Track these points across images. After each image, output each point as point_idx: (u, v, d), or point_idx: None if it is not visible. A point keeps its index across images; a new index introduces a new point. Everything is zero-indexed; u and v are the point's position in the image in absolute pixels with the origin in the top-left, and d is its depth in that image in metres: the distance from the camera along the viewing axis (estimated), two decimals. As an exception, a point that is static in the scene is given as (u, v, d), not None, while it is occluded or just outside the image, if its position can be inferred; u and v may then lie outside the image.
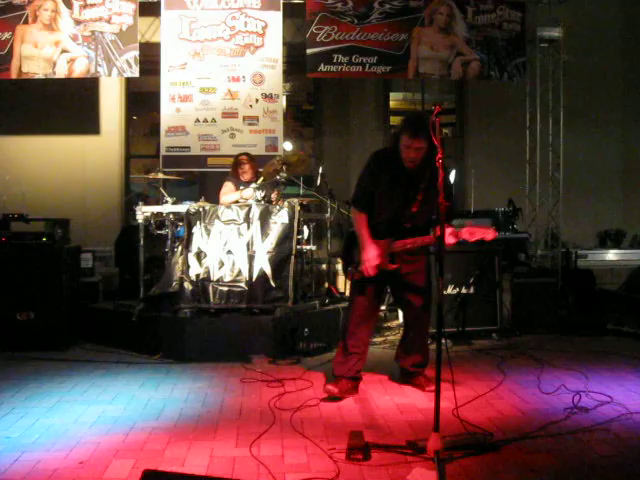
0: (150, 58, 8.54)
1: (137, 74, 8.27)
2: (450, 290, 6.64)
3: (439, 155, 3.58)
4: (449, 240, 4.39)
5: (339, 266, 8.49)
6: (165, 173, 7.47)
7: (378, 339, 6.83)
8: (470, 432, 3.82)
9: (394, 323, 7.60)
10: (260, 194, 6.59)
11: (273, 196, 6.83)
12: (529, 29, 8.91)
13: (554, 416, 4.23)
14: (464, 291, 6.64)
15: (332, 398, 4.69)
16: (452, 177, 8.42)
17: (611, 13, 10.27)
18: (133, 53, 8.19)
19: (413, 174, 4.63)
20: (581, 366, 5.51)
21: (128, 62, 8.19)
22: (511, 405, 4.55)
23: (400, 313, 7.69)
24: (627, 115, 10.28)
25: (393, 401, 4.68)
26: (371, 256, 4.61)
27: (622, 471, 3.43)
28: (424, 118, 4.43)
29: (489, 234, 4.40)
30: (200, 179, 9.65)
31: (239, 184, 7.24)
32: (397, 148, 4.60)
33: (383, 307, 8.00)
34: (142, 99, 9.92)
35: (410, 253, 4.72)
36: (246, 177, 7.28)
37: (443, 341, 3.92)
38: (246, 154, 7.45)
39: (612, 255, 9.62)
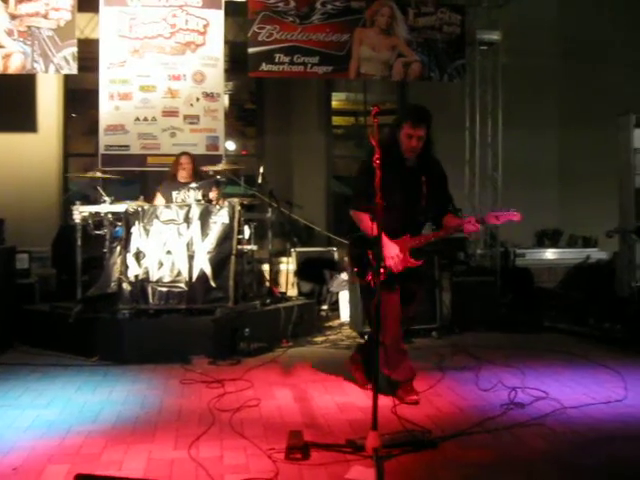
0: (89, 55, 8.39)
1: (75, 71, 8.12)
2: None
3: (377, 155, 3.61)
4: (473, 227, 4.54)
5: (282, 266, 8.50)
6: (104, 172, 7.35)
7: (319, 338, 6.85)
8: (408, 430, 3.85)
9: (336, 322, 7.64)
10: (199, 194, 6.54)
11: (212, 195, 6.77)
12: (469, 32, 9.04)
13: (491, 412, 4.30)
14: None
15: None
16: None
17: (549, 17, 10.49)
18: (71, 49, 8.04)
19: (413, 167, 4.70)
20: (518, 363, 5.62)
21: (66, 59, 8.03)
22: (449, 402, 4.61)
23: (342, 312, 7.75)
24: (564, 116, 10.52)
25: (333, 400, 4.69)
26: (394, 252, 4.52)
27: (557, 464, 3.50)
28: (425, 108, 4.76)
29: (516, 216, 4.53)
30: (141, 178, 9.51)
31: (176, 185, 7.16)
32: (395, 141, 4.62)
33: (325, 307, 8.06)
34: (81, 96, 9.73)
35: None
36: (185, 177, 7.20)
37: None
38: (186, 154, 7.38)
39: (549, 254, 9.82)
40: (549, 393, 4.68)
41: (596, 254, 9.14)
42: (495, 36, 9.06)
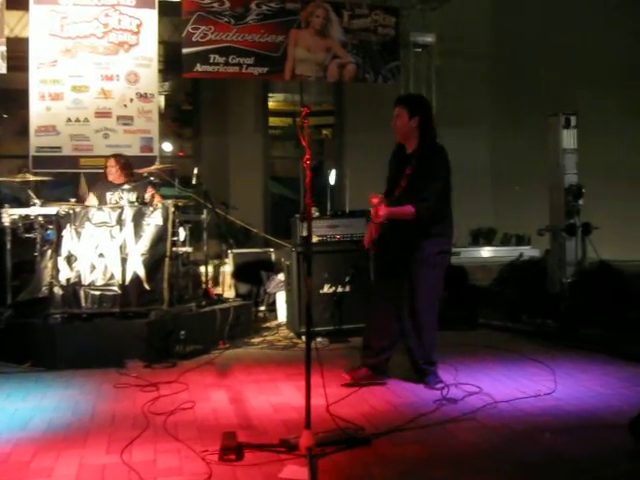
0: (19, 54, 8.24)
1: (4, 70, 7.95)
2: (327, 289, 6.73)
3: (307, 156, 3.62)
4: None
5: (215, 268, 8.46)
6: (35, 174, 7.20)
7: (256, 339, 6.83)
8: (342, 427, 3.88)
9: (273, 323, 7.64)
10: (133, 195, 6.46)
11: (148, 196, 6.70)
12: (403, 34, 9.17)
13: (424, 408, 4.35)
14: (340, 290, 6.75)
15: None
16: (332, 178, 8.54)
17: (482, 20, 10.73)
18: (0, 48, 7.84)
19: (408, 155, 4.92)
20: (452, 359, 5.68)
21: (-6, 58, 7.85)
22: (384, 400, 4.65)
23: (279, 313, 7.76)
24: (496, 118, 10.76)
25: (268, 400, 4.69)
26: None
27: (488, 457, 3.56)
28: (415, 95, 4.85)
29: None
30: (74, 180, 9.34)
31: (109, 186, 7.05)
32: None
33: (262, 308, 8.05)
34: (12, 96, 9.52)
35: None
36: (115, 179, 7.08)
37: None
38: (115, 156, 7.23)
39: (484, 252, 10.02)
40: (481, 388, 4.76)
41: (529, 252, 9.35)
42: (429, 38, 9.21)
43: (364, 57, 8.92)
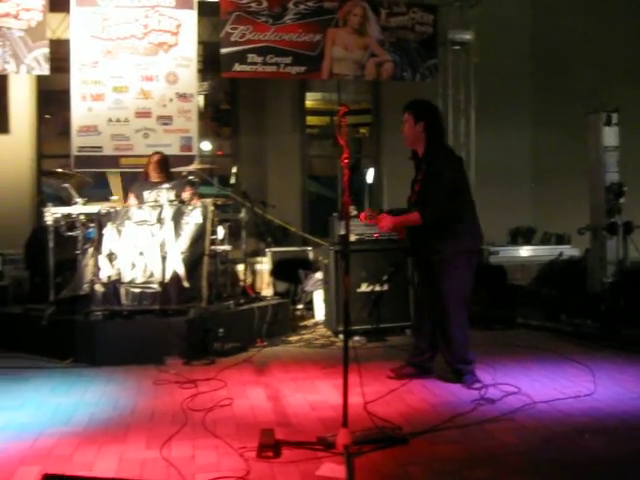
0: (61, 56, 8.37)
1: (47, 72, 8.09)
2: (364, 288, 6.73)
3: (345, 155, 3.64)
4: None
5: (256, 266, 8.52)
6: (77, 173, 7.32)
7: (294, 338, 6.87)
8: (379, 426, 3.88)
9: (310, 322, 7.67)
10: (171, 194, 6.53)
11: (185, 195, 6.77)
12: (441, 31, 9.12)
13: (461, 408, 4.34)
14: (378, 288, 6.74)
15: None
16: (370, 176, 8.54)
17: (521, 16, 10.61)
18: (43, 50, 8.01)
19: (420, 160, 4.98)
20: (490, 359, 5.66)
21: (37, 59, 8.00)
22: (421, 399, 4.64)
23: (316, 312, 7.78)
24: (536, 115, 10.64)
25: (305, 398, 4.71)
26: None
27: (526, 458, 3.54)
28: (420, 100, 5.12)
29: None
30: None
31: (148, 185, 7.13)
32: None
33: (300, 306, 8.09)
34: (54, 97, 9.68)
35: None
36: (156, 177, 7.17)
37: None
38: (157, 153, 7.35)
39: (523, 251, 9.91)
40: (519, 388, 4.73)
41: (569, 251, 9.23)
42: (467, 36, 9.14)
43: (402, 55, 8.89)
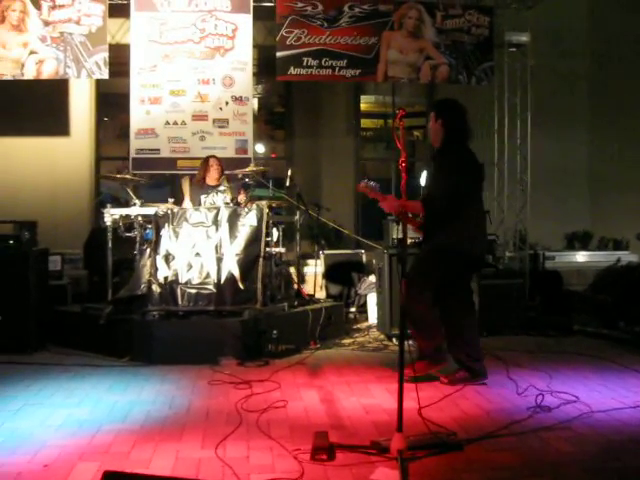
0: (120, 60, 8.53)
1: (107, 76, 8.25)
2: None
3: (402, 158, 3.63)
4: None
5: (309, 268, 8.55)
6: (134, 175, 7.45)
7: (347, 341, 6.87)
8: (433, 432, 3.86)
9: (363, 325, 7.66)
10: (227, 197, 6.60)
11: (240, 198, 6.83)
12: (497, 34, 9.01)
13: (517, 415, 4.28)
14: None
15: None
16: (423, 179, 8.49)
17: (578, 18, 10.44)
18: (102, 55, 8.16)
19: (434, 157, 5.28)
20: (546, 366, 5.59)
21: (97, 64, 8.16)
22: (475, 405, 4.60)
23: (370, 315, 7.77)
24: (594, 118, 10.45)
25: (359, 402, 4.71)
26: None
27: (583, 468, 3.48)
28: (445, 99, 5.33)
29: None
30: (170, 181, 9.62)
31: (205, 188, 7.23)
32: None
33: (353, 309, 8.08)
34: (113, 101, 9.88)
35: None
36: (213, 179, 7.27)
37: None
38: (213, 156, 7.45)
39: (579, 257, 9.76)
40: (576, 397, 4.65)
41: (627, 257, 9.07)
42: (524, 37, 9.01)
43: (457, 58, 8.82)
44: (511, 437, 3.91)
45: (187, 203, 7.17)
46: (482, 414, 4.41)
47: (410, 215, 5.16)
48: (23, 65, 8.08)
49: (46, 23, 8.12)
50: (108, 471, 2.30)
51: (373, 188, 5.03)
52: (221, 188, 6.84)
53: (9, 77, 8.10)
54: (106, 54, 8.17)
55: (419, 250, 5.45)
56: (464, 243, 5.01)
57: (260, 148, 10.04)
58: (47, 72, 8.15)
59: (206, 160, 7.39)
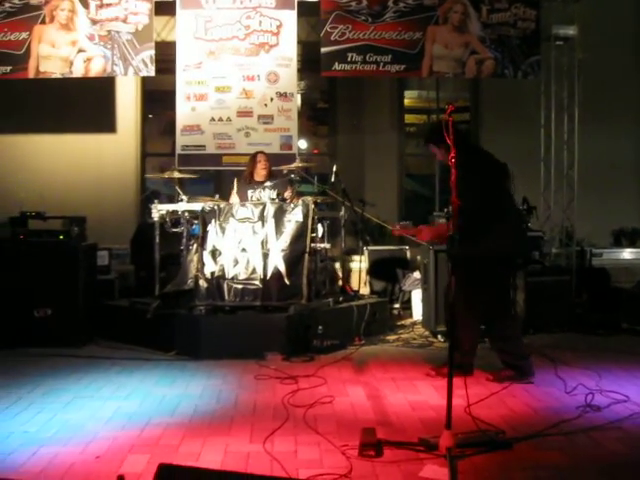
0: (166, 57, 8.60)
1: (153, 73, 8.33)
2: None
3: (451, 154, 3.61)
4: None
5: (353, 264, 8.55)
6: (180, 171, 7.52)
7: (392, 337, 6.86)
8: (482, 430, 3.84)
9: (408, 321, 7.64)
10: (273, 193, 6.63)
11: (287, 194, 6.86)
12: (544, 27, 8.88)
13: (566, 414, 4.24)
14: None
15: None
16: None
17: (626, 10, 10.22)
18: (149, 52, 8.25)
19: None
20: (595, 365, 5.51)
21: (144, 61, 8.24)
22: (523, 403, 4.56)
23: (414, 311, 7.75)
24: (643, 112, 10.25)
25: (406, 398, 4.71)
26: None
27: (634, 468, 3.44)
28: (428, 128, 4.94)
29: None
30: (215, 177, 9.70)
31: (252, 184, 7.26)
32: None
33: (397, 305, 8.06)
34: (158, 98, 9.97)
35: None
36: (262, 176, 7.30)
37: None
38: (262, 152, 7.49)
39: (627, 254, 9.57)
40: (627, 396, 4.58)
41: (676, 254, 8.88)
42: (571, 31, 8.86)
43: (503, 52, 8.71)
44: (560, 436, 3.87)
45: (234, 198, 7.22)
46: (530, 412, 4.37)
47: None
48: (72, 63, 8.20)
49: (94, 22, 8.23)
50: (163, 464, 2.33)
51: (406, 226, 5.20)
52: (268, 184, 6.86)
53: (58, 75, 8.24)
54: (152, 52, 8.25)
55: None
56: (503, 245, 4.99)
57: (303, 144, 10.05)
58: (95, 70, 8.27)
59: (254, 156, 7.44)
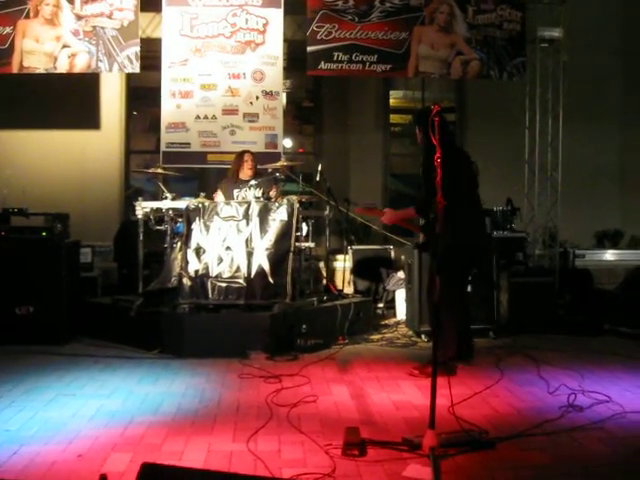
0: (151, 54, 8.57)
1: (138, 70, 8.29)
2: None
3: (437, 155, 3.62)
4: None
5: (337, 263, 8.55)
6: (165, 169, 7.49)
7: (376, 336, 6.87)
8: (465, 429, 3.84)
9: (392, 321, 7.65)
10: (259, 191, 6.62)
11: (272, 193, 6.85)
12: (529, 29, 8.92)
13: (549, 414, 4.25)
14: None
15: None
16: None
17: (611, 13, 10.31)
18: (134, 49, 8.20)
19: None
20: (577, 365, 5.54)
21: (129, 58, 8.20)
22: (507, 403, 4.58)
23: (398, 311, 7.76)
24: (626, 115, 10.32)
25: (389, 398, 4.71)
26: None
27: (616, 468, 3.46)
28: (419, 111, 5.61)
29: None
30: (200, 175, 9.67)
31: (237, 183, 7.24)
32: None
33: (381, 305, 8.07)
34: (142, 94, 9.94)
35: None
36: (248, 174, 7.27)
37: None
38: (249, 152, 7.46)
39: (610, 255, 9.65)
40: (609, 397, 4.60)
41: (659, 256, 8.95)
42: (556, 33, 8.91)
43: (489, 53, 8.74)
44: (543, 436, 3.89)
45: (219, 197, 7.20)
46: (513, 412, 4.39)
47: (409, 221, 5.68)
48: (56, 59, 8.15)
49: (79, 17, 8.17)
50: (146, 463, 2.32)
51: (372, 207, 5.29)
52: (252, 183, 6.85)
53: (42, 70, 8.18)
54: (138, 48, 8.21)
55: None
56: (462, 239, 5.17)
57: (288, 143, 10.03)
58: (79, 66, 8.21)
59: (241, 155, 7.41)
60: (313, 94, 10.38)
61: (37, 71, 8.18)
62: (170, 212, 6.74)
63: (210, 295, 6.25)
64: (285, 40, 8.74)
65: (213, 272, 6.29)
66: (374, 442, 3.67)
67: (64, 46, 8.15)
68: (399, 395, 4.79)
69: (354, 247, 8.58)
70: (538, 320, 7.16)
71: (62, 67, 8.18)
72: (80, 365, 5.68)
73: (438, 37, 8.61)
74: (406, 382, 5.10)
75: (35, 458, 3.54)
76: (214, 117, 8.40)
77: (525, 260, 7.95)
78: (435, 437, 3.46)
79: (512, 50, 8.80)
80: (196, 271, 6.30)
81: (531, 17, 8.96)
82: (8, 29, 8.05)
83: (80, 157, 9.39)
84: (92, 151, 9.44)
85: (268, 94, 8.46)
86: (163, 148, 8.38)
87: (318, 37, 8.40)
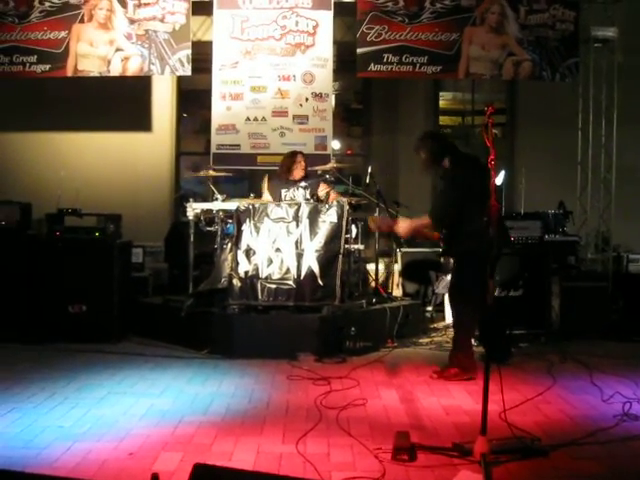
0: (202, 57, 8.64)
1: (189, 72, 8.37)
2: (498, 292, 6.57)
3: (491, 157, 3.57)
4: None
5: (386, 266, 8.50)
6: (215, 170, 7.55)
7: (424, 340, 6.83)
8: (517, 436, 3.79)
9: (441, 324, 7.58)
10: (307, 192, 6.63)
11: (321, 193, 6.85)
12: (583, 29, 8.76)
13: (603, 423, 4.17)
14: (512, 293, 6.58)
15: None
16: (501, 178, 8.35)
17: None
18: (185, 52, 8.28)
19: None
20: (631, 373, 5.42)
21: (180, 61, 8.28)
22: (559, 410, 4.51)
23: (447, 314, 7.69)
24: (683, 116, 10.07)
25: (439, 402, 4.67)
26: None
27: (673, 480, 3.38)
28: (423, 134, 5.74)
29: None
30: (249, 176, 9.72)
31: (286, 182, 7.24)
32: None
33: (429, 308, 8.01)
34: (193, 97, 10.03)
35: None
36: (300, 175, 7.26)
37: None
38: (302, 153, 7.44)
39: (665, 259, 9.41)
40: (666, 406, 4.51)
41: None
42: (610, 33, 8.73)
43: (541, 54, 8.60)
44: (597, 445, 3.82)
45: (266, 197, 7.23)
46: (566, 420, 4.32)
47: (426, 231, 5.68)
48: (109, 62, 8.27)
49: (131, 21, 8.29)
50: (198, 463, 2.33)
51: (381, 221, 5.42)
52: (303, 184, 6.86)
53: (96, 74, 8.31)
54: (189, 51, 8.28)
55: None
56: (478, 245, 5.05)
57: (336, 144, 10.02)
58: (132, 69, 8.33)
59: (293, 155, 7.38)
60: (362, 96, 10.35)
61: (91, 74, 8.31)
62: (220, 213, 6.80)
63: (260, 296, 6.28)
64: (335, 42, 8.73)
65: (263, 273, 6.32)
66: (424, 447, 3.65)
67: (117, 50, 8.27)
68: (449, 400, 4.75)
69: (403, 249, 8.53)
70: (590, 325, 7.03)
71: (115, 70, 8.30)
72: (131, 364, 5.77)
73: (489, 38, 8.51)
74: (456, 387, 5.05)
75: (87, 455, 3.60)
76: (264, 119, 8.43)
77: (577, 264, 7.81)
78: (486, 443, 3.42)
79: (565, 51, 8.65)
80: (246, 272, 6.34)
81: (585, 17, 8.79)
82: (63, 33, 8.20)
83: (132, 159, 9.51)
84: (144, 153, 9.55)
85: (318, 96, 8.47)
86: (213, 150, 8.44)
87: (368, 39, 8.37)
